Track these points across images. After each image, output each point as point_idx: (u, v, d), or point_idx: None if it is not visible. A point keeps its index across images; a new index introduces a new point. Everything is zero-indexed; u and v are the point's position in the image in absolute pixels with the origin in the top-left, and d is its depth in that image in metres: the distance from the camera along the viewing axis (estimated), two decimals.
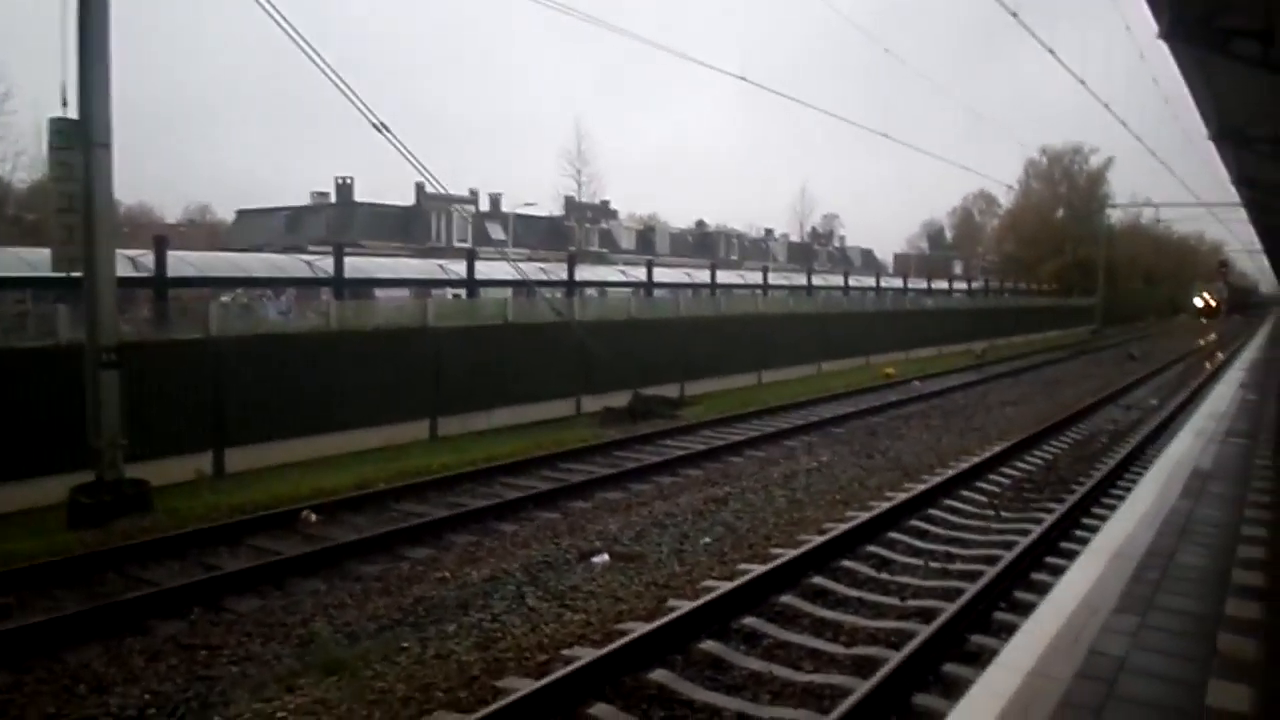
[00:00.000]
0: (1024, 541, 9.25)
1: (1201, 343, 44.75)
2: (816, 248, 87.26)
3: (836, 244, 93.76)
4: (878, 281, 45.86)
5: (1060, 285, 66.94)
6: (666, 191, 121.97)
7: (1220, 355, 30.54)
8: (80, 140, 10.19)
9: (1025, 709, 3.65)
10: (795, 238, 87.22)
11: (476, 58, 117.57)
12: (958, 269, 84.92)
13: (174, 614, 7.48)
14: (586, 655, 6.35)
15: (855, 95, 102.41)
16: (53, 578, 8.20)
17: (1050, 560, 8.80)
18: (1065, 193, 76.28)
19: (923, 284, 47.99)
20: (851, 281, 42.67)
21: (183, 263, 17.30)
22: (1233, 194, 26.67)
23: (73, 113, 10.25)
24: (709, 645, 6.77)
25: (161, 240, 15.91)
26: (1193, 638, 4.51)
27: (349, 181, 56.01)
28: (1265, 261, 71.46)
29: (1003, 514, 11.05)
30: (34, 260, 14.54)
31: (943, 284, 51.69)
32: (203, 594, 7.85)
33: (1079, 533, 9.56)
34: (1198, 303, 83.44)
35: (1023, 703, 3.70)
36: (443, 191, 16.28)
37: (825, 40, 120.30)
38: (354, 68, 12.01)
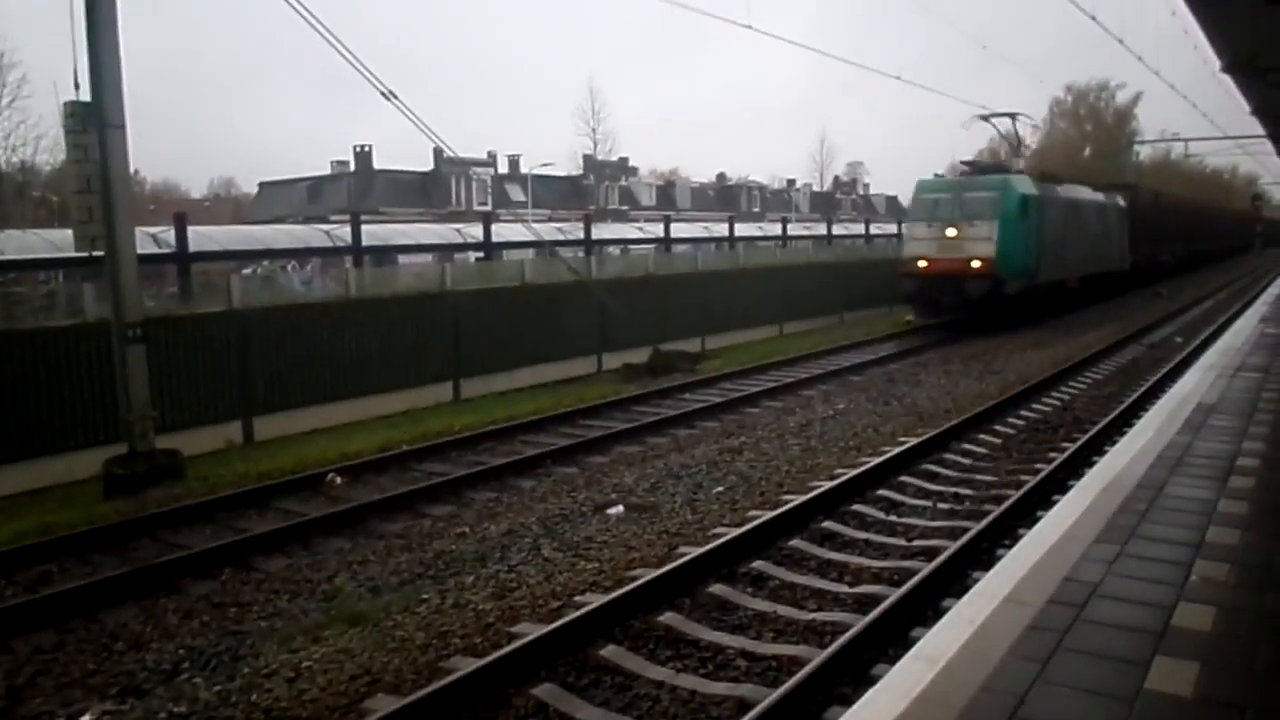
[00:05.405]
0: (1032, 481, 9.43)
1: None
2: (840, 197, 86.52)
3: (861, 192, 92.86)
4: (899, 227, 45.47)
5: None
6: (689, 147, 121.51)
7: None
8: (94, 122, 10.43)
9: (994, 632, 3.83)
10: (819, 188, 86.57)
11: (492, 19, 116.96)
12: None
13: (205, 574, 7.82)
14: (597, 600, 6.61)
15: (889, 47, 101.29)
16: (90, 544, 8.56)
17: (1057, 498, 8.93)
18: (1092, 130, 75.13)
19: None
20: (875, 229, 42.42)
21: (204, 238, 17.61)
22: (1259, 126, 26.22)
23: (86, 95, 10.49)
24: (717, 589, 7.01)
25: (181, 216, 16.20)
26: (1169, 564, 4.65)
27: (368, 149, 56.23)
28: None
29: (1014, 455, 11.19)
30: (59, 241, 14.91)
31: None
32: (232, 555, 8.18)
33: (1087, 470, 9.66)
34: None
35: (993, 627, 3.88)
36: (455, 156, 16.42)
37: None
38: (370, 29, 12.12)
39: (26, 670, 6.22)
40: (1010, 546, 7.56)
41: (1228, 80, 17.39)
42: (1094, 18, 16.99)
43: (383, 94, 12.58)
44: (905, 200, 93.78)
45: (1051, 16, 73.68)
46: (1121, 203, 32.75)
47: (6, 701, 5.83)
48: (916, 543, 8.07)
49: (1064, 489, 9.16)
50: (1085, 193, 29.78)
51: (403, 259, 23.75)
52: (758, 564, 7.50)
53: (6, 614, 6.95)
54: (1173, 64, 29.50)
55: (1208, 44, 14.25)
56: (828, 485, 9.38)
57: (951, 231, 22.83)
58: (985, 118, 26.97)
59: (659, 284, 20.89)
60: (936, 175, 25.69)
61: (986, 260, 22.18)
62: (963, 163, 26.40)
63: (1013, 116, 27.32)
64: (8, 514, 9.74)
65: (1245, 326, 15.77)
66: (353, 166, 57.26)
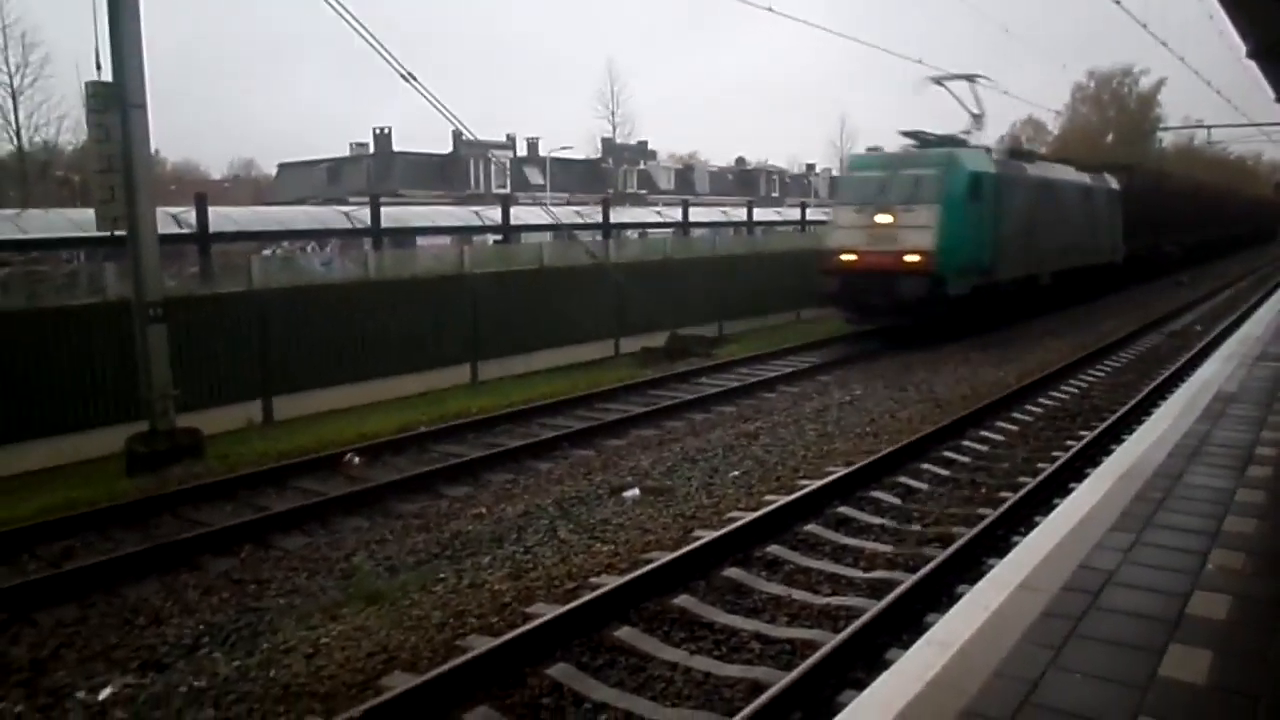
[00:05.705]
0: (1049, 468, 9.40)
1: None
2: None
3: None
4: None
5: None
6: (708, 131, 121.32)
7: None
8: (116, 102, 10.48)
9: (1008, 619, 3.84)
10: (838, 172, 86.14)
11: (508, 3, 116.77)
12: None
13: (225, 551, 7.92)
14: (612, 582, 6.65)
15: (910, 30, 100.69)
16: (112, 520, 8.68)
17: (1074, 486, 8.90)
18: (1115, 116, 74.40)
19: None
20: None
21: (224, 218, 17.72)
22: None
23: (107, 75, 10.54)
24: (732, 572, 7.03)
25: (202, 197, 16.28)
26: (1185, 553, 4.64)
27: (387, 131, 56.23)
28: None
29: (1032, 442, 11.15)
30: (81, 221, 15.01)
31: None
32: (252, 532, 8.28)
33: (1104, 459, 9.63)
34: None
35: (1007, 613, 3.89)
36: (474, 139, 16.44)
37: None
38: (376, 17, 12.09)
39: (50, 643, 6.32)
40: (1026, 534, 7.59)
41: (1253, 66, 17.16)
42: (1118, 2, 16.80)
43: (402, 75, 12.57)
44: None
45: (1075, 1, 72.83)
46: (1114, 185, 28.31)
47: (31, 673, 5.93)
48: (932, 529, 8.07)
49: (1081, 477, 9.16)
50: (1066, 173, 25.24)
51: (421, 241, 23.82)
52: (773, 548, 7.52)
53: (31, 587, 7.06)
54: (1197, 50, 29.01)
55: (1232, 29, 14.07)
56: (844, 471, 9.38)
57: (883, 218, 18.59)
58: (939, 81, 21.29)
59: (677, 268, 20.87)
60: (870, 149, 21.38)
61: (924, 254, 17.93)
62: (903, 133, 20.79)
63: (970, 79, 21.50)
64: (31, 489, 9.87)
65: (1266, 315, 15.64)
66: (372, 149, 57.31)
